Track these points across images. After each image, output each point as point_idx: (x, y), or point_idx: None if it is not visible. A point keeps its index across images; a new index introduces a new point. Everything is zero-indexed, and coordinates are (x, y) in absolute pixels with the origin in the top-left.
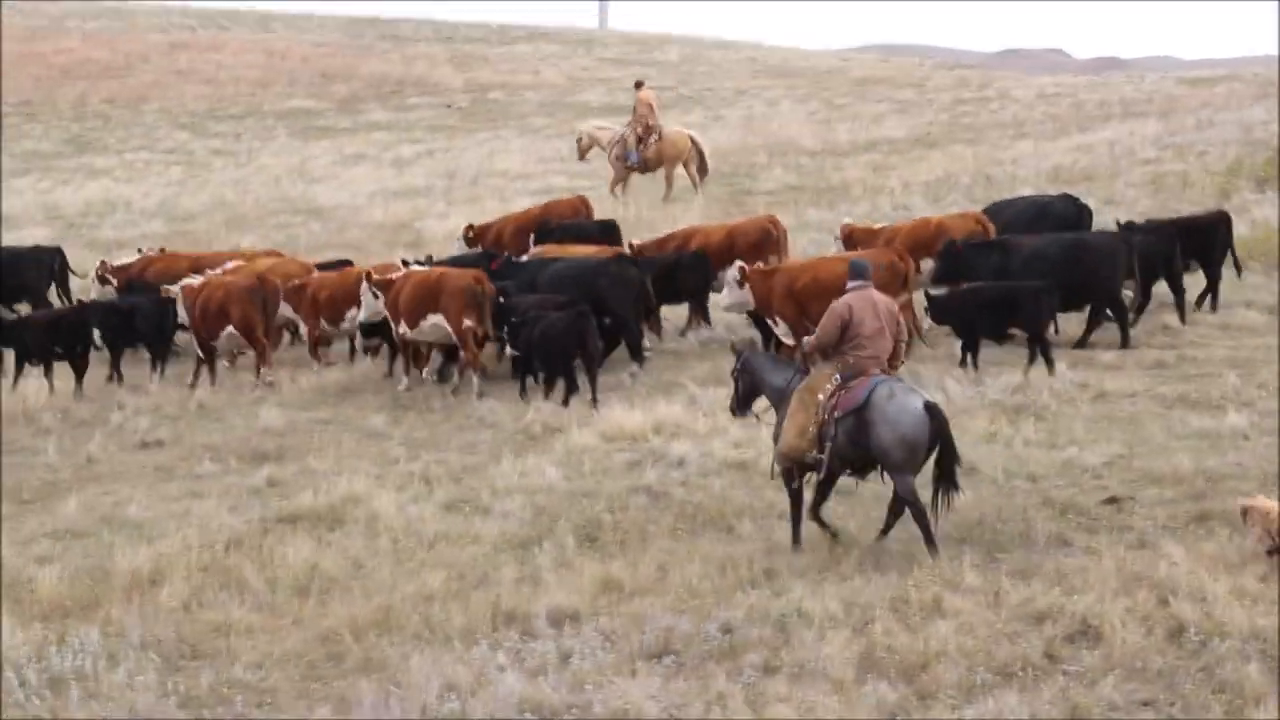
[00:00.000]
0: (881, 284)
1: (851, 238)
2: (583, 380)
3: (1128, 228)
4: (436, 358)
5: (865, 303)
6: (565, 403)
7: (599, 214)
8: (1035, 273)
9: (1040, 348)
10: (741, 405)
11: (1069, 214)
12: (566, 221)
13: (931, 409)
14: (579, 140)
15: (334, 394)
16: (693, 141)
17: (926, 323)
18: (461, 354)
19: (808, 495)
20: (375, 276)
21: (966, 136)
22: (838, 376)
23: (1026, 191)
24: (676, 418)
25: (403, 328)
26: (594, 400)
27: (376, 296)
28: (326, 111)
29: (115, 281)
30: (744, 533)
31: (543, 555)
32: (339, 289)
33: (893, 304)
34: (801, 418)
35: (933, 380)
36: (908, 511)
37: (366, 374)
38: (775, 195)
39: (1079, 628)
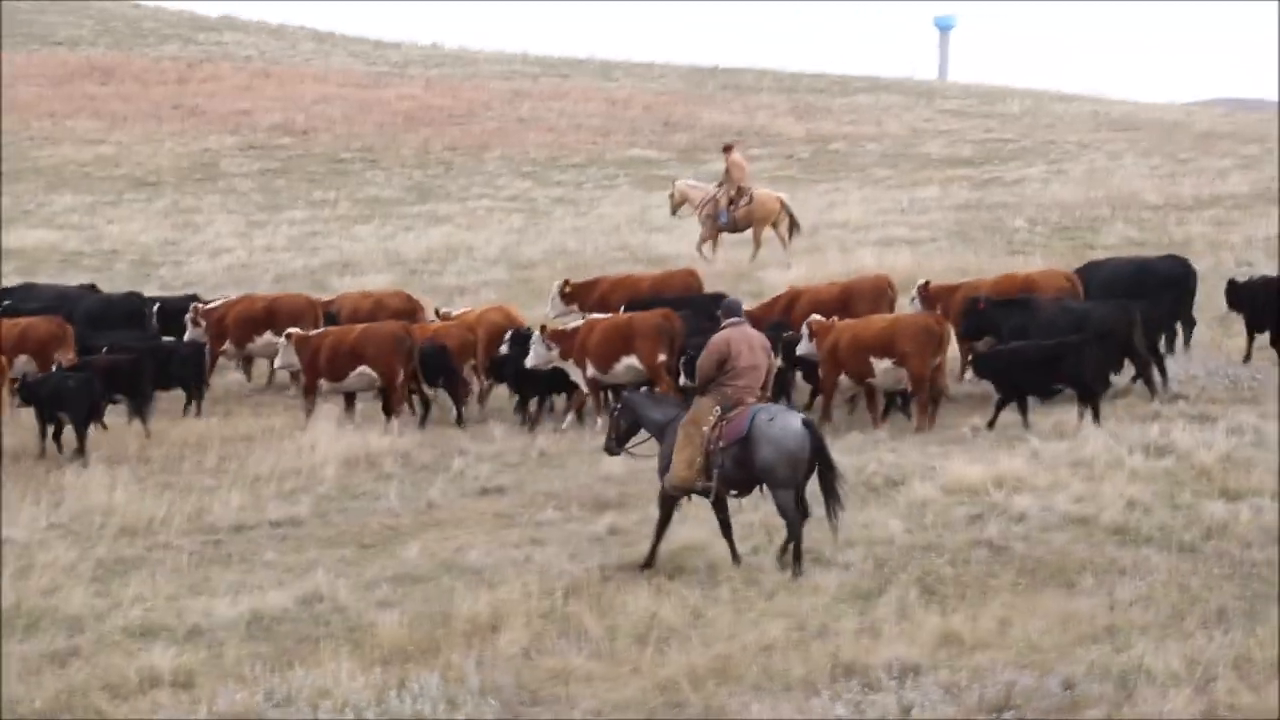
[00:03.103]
0: (919, 346)
1: (929, 295)
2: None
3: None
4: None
5: (741, 338)
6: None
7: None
8: (1050, 334)
9: (1090, 402)
10: (620, 442)
11: (1174, 274)
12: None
13: (810, 426)
14: (671, 195)
15: None
16: (782, 204)
17: (968, 374)
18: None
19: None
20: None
21: None
22: (718, 409)
23: None
24: (1018, 471)
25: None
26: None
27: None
28: (668, 161)
29: (204, 324)
30: (1085, 587)
31: (883, 607)
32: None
33: (764, 340)
34: (689, 451)
35: None
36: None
37: None
38: (1116, 250)
39: None
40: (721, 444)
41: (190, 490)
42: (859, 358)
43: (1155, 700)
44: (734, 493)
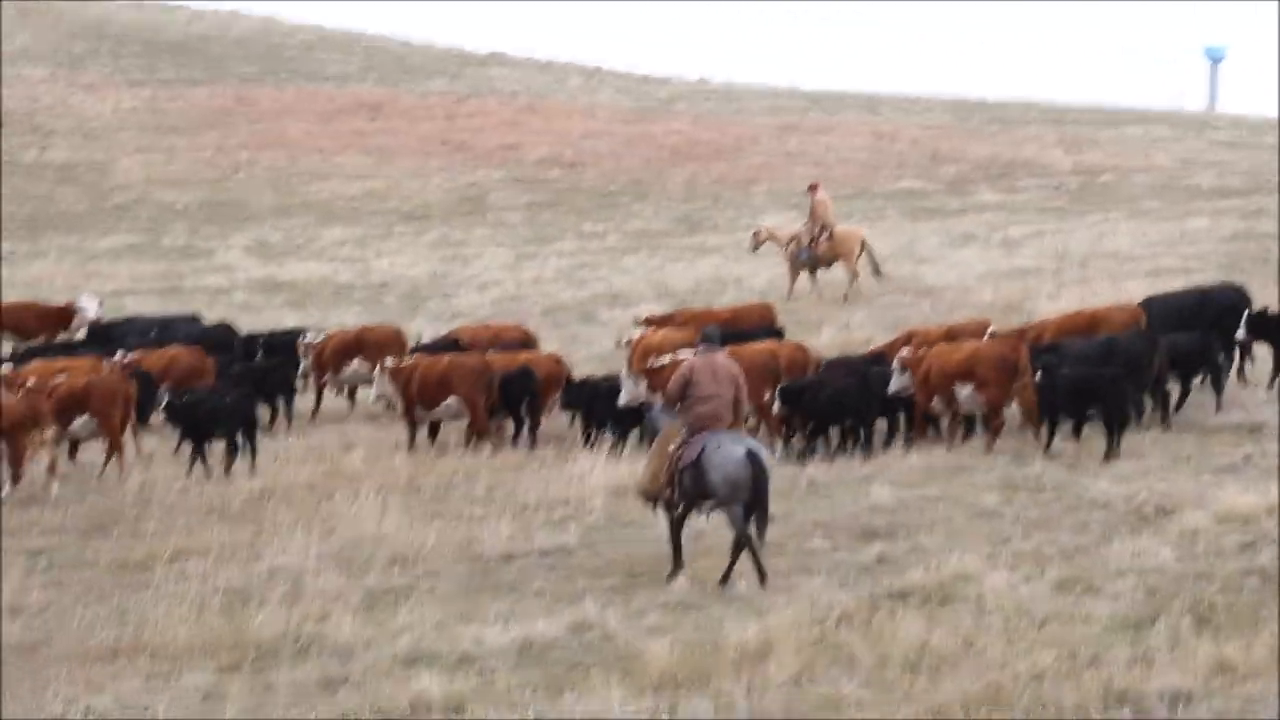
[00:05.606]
0: (989, 375)
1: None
2: None
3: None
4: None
5: (707, 366)
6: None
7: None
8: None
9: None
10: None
11: (1233, 302)
12: None
13: (752, 455)
14: (756, 234)
15: (944, 471)
16: (863, 241)
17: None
18: None
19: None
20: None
21: None
22: (684, 431)
23: None
24: None
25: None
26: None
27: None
28: (935, 192)
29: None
30: None
31: (1155, 635)
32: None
33: (734, 367)
34: (655, 464)
35: None
36: None
37: (976, 451)
38: None
39: None
40: (680, 464)
41: (459, 519)
42: (944, 384)
43: None
44: (705, 511)
